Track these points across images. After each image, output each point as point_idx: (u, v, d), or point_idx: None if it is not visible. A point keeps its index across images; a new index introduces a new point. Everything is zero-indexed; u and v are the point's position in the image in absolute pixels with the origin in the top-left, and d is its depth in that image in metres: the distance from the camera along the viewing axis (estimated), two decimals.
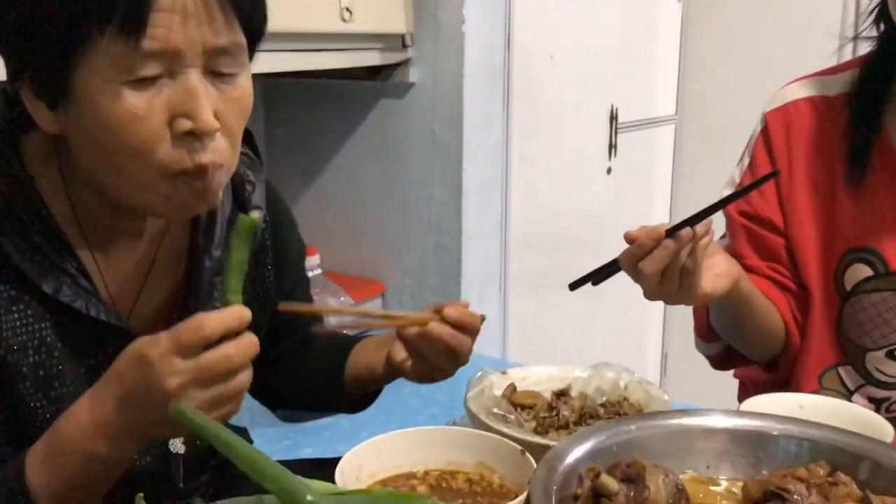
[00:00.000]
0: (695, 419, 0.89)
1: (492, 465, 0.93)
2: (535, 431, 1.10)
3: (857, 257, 1.28)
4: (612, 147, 2.57)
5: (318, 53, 1.82)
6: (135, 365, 0.78)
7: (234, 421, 1.11)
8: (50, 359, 0.88)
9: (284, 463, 0.70)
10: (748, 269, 1.29)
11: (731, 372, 1.49)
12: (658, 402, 1.14)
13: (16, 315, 0.86)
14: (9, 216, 0.85)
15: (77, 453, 0.80)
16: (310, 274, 1.91)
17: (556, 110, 2.35)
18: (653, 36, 2.73)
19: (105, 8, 0.76)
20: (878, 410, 1.30)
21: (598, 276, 1.13)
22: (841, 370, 1.33)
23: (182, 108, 0.81)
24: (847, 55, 1.51)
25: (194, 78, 0.81)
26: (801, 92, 1.34)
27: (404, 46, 2.03)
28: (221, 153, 0.84)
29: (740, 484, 0.85)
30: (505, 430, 1.01)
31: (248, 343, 0.79)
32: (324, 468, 0.85)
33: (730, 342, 1.38)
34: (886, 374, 1.31)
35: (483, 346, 2.13)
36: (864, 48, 1.31)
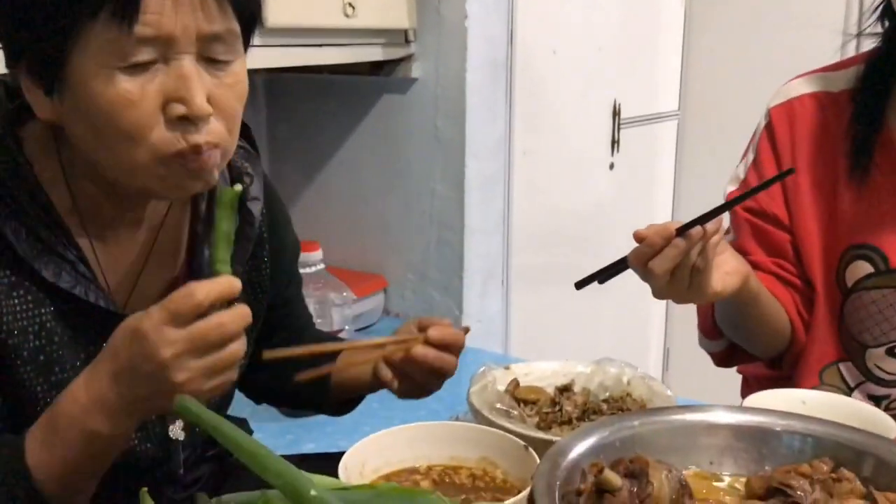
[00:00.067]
0: (698, 415, 0.89)
1: (495, 461, 0.93)
2: (538, 427, 1.11)
3: (858, 254, 1.28)
4: (614, 142, 2.56)
5: (321, 49, 1.81)
6: (129, 339, 0.78)
7: (233, 411, 1.12)
8: (50, 344, 0.89)
9: (287, 458, 0.70)
10: (753, 265, 1.28)
11: (734, 368, 1.49)
12: (661, 397, 1.14)
13: (16, 300, 0.87)
14: (9, 203, 0.86)
15: (76, 431, 0.80)
16: (312, 269, 1.92)
17: (558, 105, 2.35)
18: (656, 31, 2.72)
19: None
20: (877, 408, 1.30)
21: (605, 274, 1.12)
22: (842, 366, 1.33)
23: (175, 94, 0.82)
24: (850, 52, 1.51)
25: (188, 64, 0.82)
26: (804, 87, 1.33)
27: (407, 42, 2.02)
28: (216, 134, 0.85)
29: (743, 480, 0.85)
30: (508, 425, 1.02)
31: (241, 312, 0.80)
32: (327, 463, 0.85)
33: (735, 339, 1.37)
34: (886, 372, 1.31)
35: (485, 341, 2.14)
36: (868, 45, 1.30)
